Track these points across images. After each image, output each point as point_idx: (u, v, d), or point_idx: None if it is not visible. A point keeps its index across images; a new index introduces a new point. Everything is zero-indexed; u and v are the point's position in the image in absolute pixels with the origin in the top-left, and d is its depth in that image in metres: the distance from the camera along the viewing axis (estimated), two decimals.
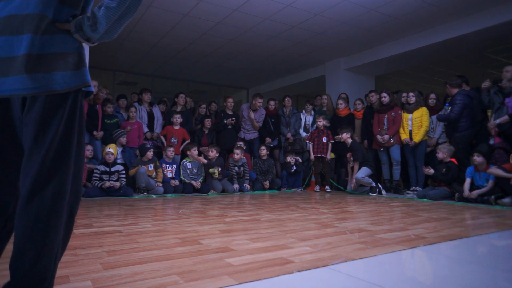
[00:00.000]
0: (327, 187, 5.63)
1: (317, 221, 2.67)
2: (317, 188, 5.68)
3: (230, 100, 6.07)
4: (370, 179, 5.07)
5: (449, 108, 4.75)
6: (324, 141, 5.59)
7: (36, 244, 0.91)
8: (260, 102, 6.15)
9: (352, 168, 5.32)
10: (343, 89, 7.34)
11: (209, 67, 8.49)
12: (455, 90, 4.84)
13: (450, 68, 8.28)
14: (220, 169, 5.33)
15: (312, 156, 5.67)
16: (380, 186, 5.10)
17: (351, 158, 5.28)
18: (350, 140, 5.29)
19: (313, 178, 6.02)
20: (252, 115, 6.09)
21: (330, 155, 5.87)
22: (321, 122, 5.65)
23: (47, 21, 0.96)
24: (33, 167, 0.92)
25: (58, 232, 0.95)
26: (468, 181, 4.22)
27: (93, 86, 4.93)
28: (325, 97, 6.58)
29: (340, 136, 5.35)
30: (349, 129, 5.37)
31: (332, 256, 1.62)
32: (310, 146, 5.70)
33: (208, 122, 5.96)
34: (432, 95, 5.42)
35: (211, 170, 5.29)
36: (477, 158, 4.13)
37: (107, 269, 1.39)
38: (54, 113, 0.95)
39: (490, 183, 4.02)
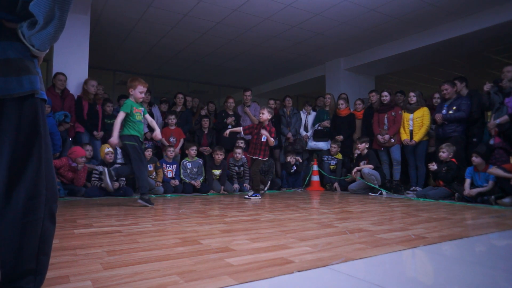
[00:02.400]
0: (262, 191, 4.88)
1: (317, 221, 2.67)
2: (253, 194, 4.46)
3: (231, 100, 6.07)
4: (375, 180, 5.05)
5: (453, 108, 4.77)
6: (263, 140, 4.45)
7: (14, 243, 0.94)
8: (247, 96, 6.21)
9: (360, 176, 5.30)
10: (343, 89, 7.35)
11: (209, 67, 8.49)
12: (452, 90, 4.90)
13: (450, 68, 8.29)
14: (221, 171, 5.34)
15: (246, 155, 5.04)
16: (381, 189, 5.09)
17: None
18: (366, 150, 5.30)
19: (314, 178, 6.02)
20: (247, 109, 6.15)
21: (331, 156, 5.88)
22: (265, 115, 4.44)
23: None
24: (1, 172, 0.94)
25: (35, 229, 0.97)
26: (468, 181, 4.22)
27: (93, 86, 4.98)
28: (328, 96, 6.55)
29: (357, 145, 5.34)
30: (367, 139, 5.38)
31: (332, 256, 1.62)
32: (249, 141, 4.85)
33: (206, 122, 5.95)
34: (436, 95, 5.42)
35: (214, 171, 5.29)
36: (475, 159, 4.16)
37: (107, 269, 1.38)
38: (7, 118, 0.95)
39: (491, 183, 4.02)
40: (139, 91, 3.66)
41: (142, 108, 3.77)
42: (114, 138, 3.50)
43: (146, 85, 3.72)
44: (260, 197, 4.46)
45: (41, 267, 1.00)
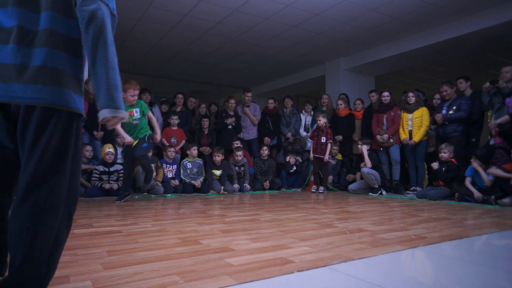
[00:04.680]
0: (322, 188, 5.48)
1: (317, 221, 2.67)
2: (314, 188, 5.51)
3: (232, 101, 6.05)
4: (375, 180, 5.05)
5: (453, 108, 4.78)
6: (322, 141, 5.42)
7: (27, 241, 0.92)
8: (248, 96, 6.22)
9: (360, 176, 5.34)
10: (343, 89, 7.34)
11: (209, 67, 8.49)
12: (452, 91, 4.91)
13: (450, 68, 8.28)
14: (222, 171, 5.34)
15: (311, 155, 5.60)
16: (382, 189, 5.09)
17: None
18: (367, 152, 5.32)
19: (312, 178, 6.01)
20: (247, 109, 6.15)
21: (331, 156, 5.86)
22: (322, 120, 5.49)
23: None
24: (30, 169, 0.95)
25: (51, 230, 0.96)
26: (468, 180, 4.23)
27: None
28: (325, 96, 6.55)
29: (359, 147, 5.35)
30: (369, 141, 5.39)
31: (332, 256, 1.62)
32: (311, 144, 5.62)
33: (205, 122, 5.94)
34: (437, 95, 5.43)
35: (214, 171, 5.28)
36: (473, 163, 4.20)
37: (107, 269, 1.39)
38: (52, 125, 0.98)
39: (489, 179, 4.05)
40: (130, 94, 3.72)
41: (135, 109, 3.82)
42: (127, 138, 3.69)
43: (137, 88, 3.79)
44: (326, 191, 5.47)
45: (50, 270, 0.99)
